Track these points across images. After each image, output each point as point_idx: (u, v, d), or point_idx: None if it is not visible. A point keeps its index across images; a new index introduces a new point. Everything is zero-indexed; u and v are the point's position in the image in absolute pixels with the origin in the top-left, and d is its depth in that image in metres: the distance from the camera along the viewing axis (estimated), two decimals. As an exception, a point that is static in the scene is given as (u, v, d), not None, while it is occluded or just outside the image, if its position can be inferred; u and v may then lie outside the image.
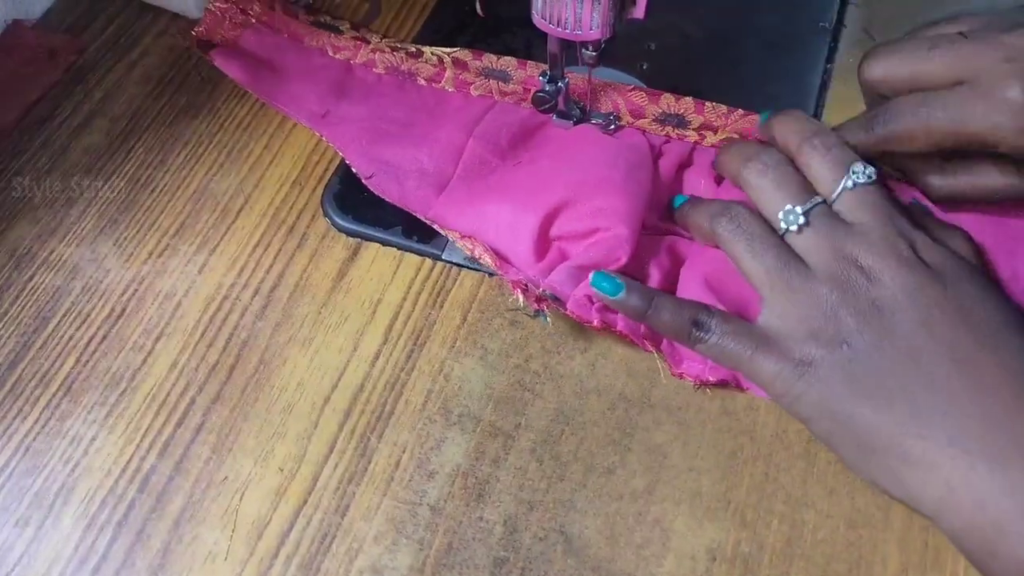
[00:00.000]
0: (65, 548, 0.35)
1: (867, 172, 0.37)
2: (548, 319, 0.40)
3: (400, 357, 0.39)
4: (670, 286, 0.40)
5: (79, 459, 0.37)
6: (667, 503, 0.35)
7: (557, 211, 0.41)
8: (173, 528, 0.35)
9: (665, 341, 0.39)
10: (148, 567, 0.35)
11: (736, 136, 0.44)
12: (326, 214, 0.44)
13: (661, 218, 0.43)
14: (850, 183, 0.37)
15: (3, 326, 0.41)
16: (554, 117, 0.46)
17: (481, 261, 0.41)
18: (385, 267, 0.42)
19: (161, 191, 0.45)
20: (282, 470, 0.37)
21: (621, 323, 0.38)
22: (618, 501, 0.35)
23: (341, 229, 0.43)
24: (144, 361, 0.40)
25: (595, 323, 0.38)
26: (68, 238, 0.44)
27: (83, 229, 0.44)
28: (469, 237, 0.41)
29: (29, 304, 0.42)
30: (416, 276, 0.42)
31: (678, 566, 0.34)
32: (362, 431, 0.37)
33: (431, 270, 0.42)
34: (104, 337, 0.41)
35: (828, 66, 0.48)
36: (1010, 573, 0.30)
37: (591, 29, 0.40)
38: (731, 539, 0.34)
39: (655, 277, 0.40)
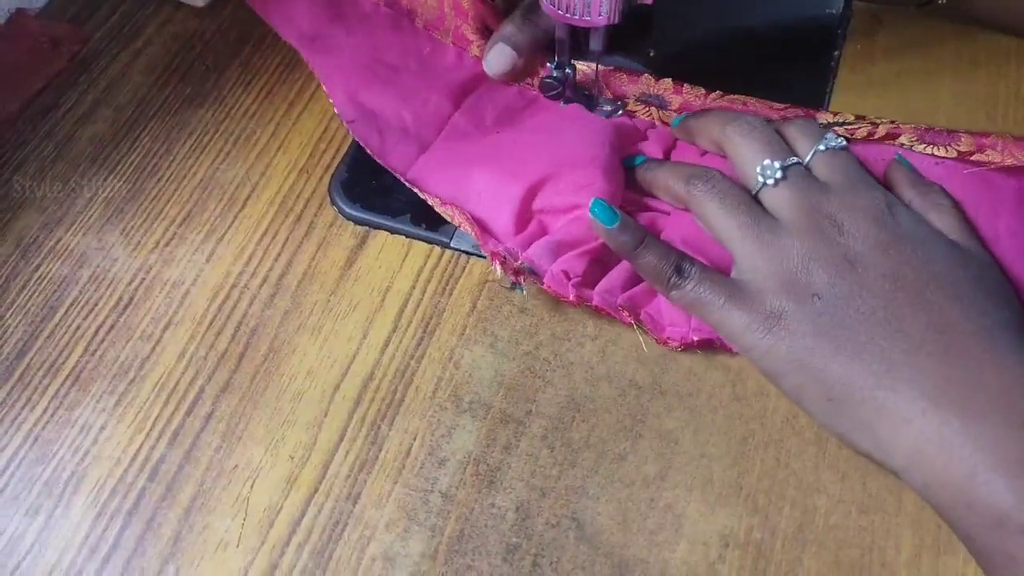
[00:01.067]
0: (76, 537, 0.35)
1: (838, 140, 0.39)
2: (524, 291, 0.41)
3: (410, 345, 0.39)
4: None
5: (88, 448, 0.37)
6: (679, 489, 0.35)
7: (540, 184, 0.41)
8: (184, 517, 0.35)
9: (644, 311, 0.39)
10: (159, 555, 0.35)
11: None
12: (333, 202, 0.44)
13: (637, 193, 0.43)
14: (823, 146, 0.39)
15: (11, 315, 0.41)
16: (561, 104, 0.46)
17: (462, 229, 0.41)
18: (394, 255, 0.42)
19: (167, 180, 0.45)
20: (293, 458, 0.36)
21: (596, 298, 0.38)
22: (630, 487, 0.35)
23: (349, 217, 0.43)
24: (153, 350, 0.40)
25: (571, 298, 0.38)
26: (75, 227, 0.44)
27: (89, 218, 0.44)
28: (450, 204, 0.41)
29: (36, 293, 0.42)
30: (425, 264, 0.42)
31: (691, 552, 0.34)
32: (372, 419, 0.37)
33: (440, 258, 0.42)
34: (112, 326, 0.40)
35: (836, 53, 0.48)
36: (984, 524, 0.30)
37: (600, 15, 0.39)
38: (743, 525, 0.34)
39: None
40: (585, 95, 0.45)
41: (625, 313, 0.38)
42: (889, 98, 0.46)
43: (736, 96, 0.45)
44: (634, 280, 0.39)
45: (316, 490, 0.36)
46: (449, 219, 0.41)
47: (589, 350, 0.39)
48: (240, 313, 0.41)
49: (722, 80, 0.45)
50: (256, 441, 0.37)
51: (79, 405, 0.38)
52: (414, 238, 0.42)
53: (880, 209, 0.36)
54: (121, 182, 0.45)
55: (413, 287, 0.41)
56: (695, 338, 0.38)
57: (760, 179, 0.38)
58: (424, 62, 0.47)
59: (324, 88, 0.45)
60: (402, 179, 0.43)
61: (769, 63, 0.48)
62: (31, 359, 0.40)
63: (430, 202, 0.42)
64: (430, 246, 0.42)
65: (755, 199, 0.38)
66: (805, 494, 0.35)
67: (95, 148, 0.47)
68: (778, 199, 0.37)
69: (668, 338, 0.38)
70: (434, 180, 0.43)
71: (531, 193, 0.41)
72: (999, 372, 0.32)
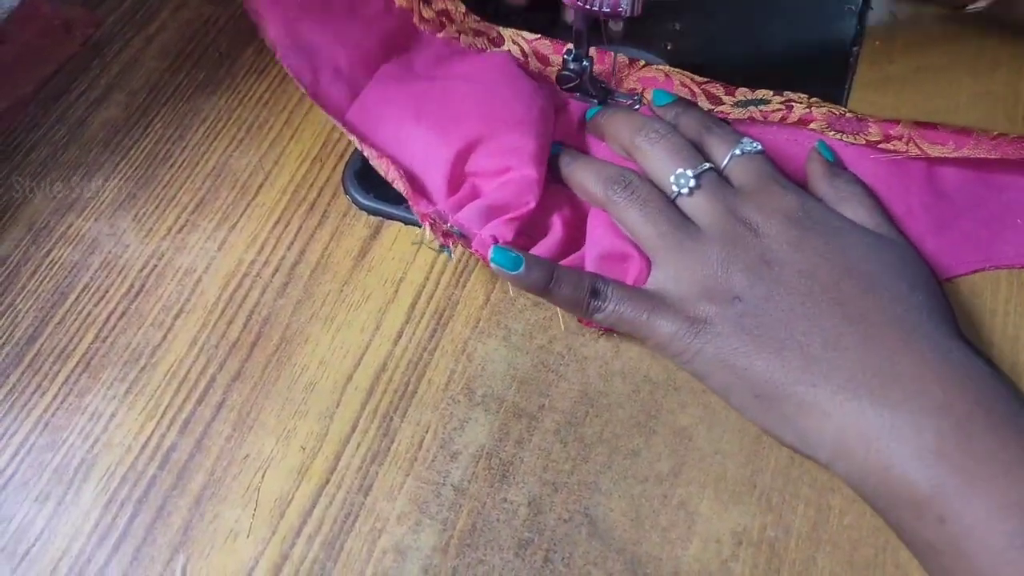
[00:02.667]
0: (85, 524, 0.35)
1: (754, 144, 0.40)
2: (453, 255, 0.41)
3: (423, 336, 0.39)
4: (573, 234, 0.40)
5: (99, 435, 0.37)
6: (692, 486, 0.35)
7: (472, 146, 0.41)
8: (194, 505, 0.35)
9: None
10: (169, 544, 0.34)
11: (638, 87, 0.46)
12: (347, 192, 0.44)
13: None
14: (738, 151, 0.39)
15: (22, 300, 0.41)
16: (576, 96, 0.45)
17: (395, 186, 0.41)
18: (407, 246, 0.42)
19: (180, 167, 0.45)
20: (304, 448, 0.36)
21: None
22: (643, 484, 0.35)
23: (362, 207, 0.43)
24: (164, 338, 0.39)
25: None
26: (86, 213, 0.43)
27: (101, 204, 0.44)
28: (386, 158, 0.41)
29: (47, 279, 0.41)
30: (439, 255, 0.41)
31: (704, 549, 0.33)
32: (385, 410, 0.37)
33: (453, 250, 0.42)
34: (123, 313, 0.40)
35: (855, 48, 0.48)
36: (906, 513, 0.31)
37: (620, 7, 0.39)
38: (757, 523, 0.34)
39: (557, 226, 0.40)
40: (602, 87, 0.45)
41: None
42: (906, 96, 0.46)
43: (660, 67, 0.45)
44: (561, 255, 0.39)
45: (327, 481, 0.35)
46: (383, 173, 0.41)
47: (603, 345, 0.38)
48: (252, 302, 0.40)
49: (739, 74, 0.45)
50: (267, 431, 0.37)
51: (89, 392, 0.38)
52: (428, 229, 0.42)
53: (792, 207, 0.37)
54: (133, 168, 0.45)
55: (427, 279, 0.41)
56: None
57: (675, 189, 0.38)
58: (353, 5, 0.47)
59: (259, 13, 0.45)
60: (337, 123, 0.43)
61: (788, 58, 0.48)
62: (41, 345, 0.39)
63: (365, 153, 0.42)
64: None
65: (673, 204, 0.38)
66: (819, 493, 0.34)
67: (107, 133, 0.46)
68: (694, 206, 0.38)
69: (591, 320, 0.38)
70: (369, 130, 0.43)
71: (463, 155, 0.41)
72: (913, 360, 0.32)
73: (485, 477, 0.35)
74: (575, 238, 0.40)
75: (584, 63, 0.44)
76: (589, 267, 0.39)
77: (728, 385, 0.35)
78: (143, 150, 0.46)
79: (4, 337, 0.40)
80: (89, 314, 0.40)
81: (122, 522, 0.35)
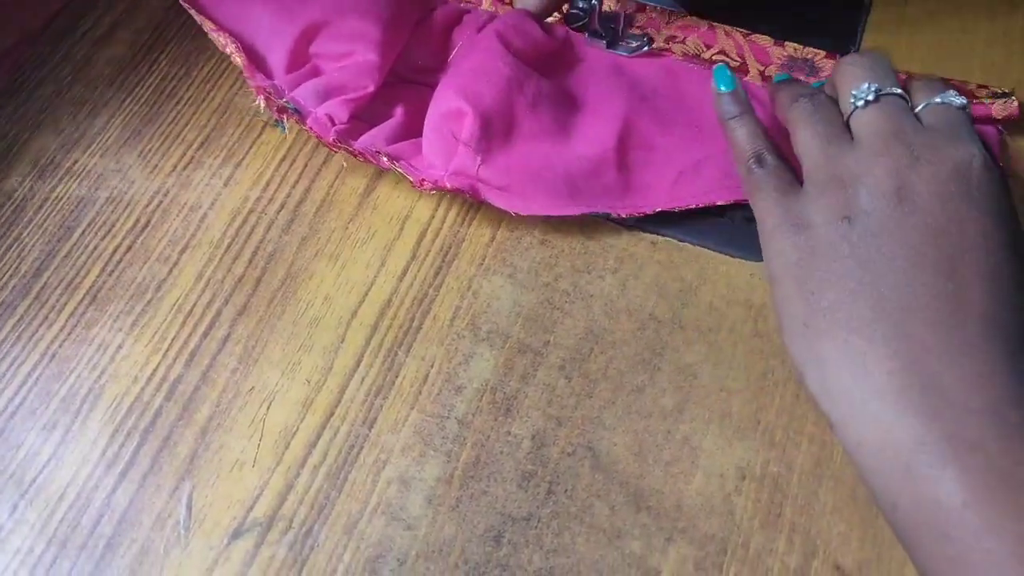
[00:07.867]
0: (92, 452, 0.35)
1: (961, 100, 0.35)
2: (286, 130, 0.42)
3: (428, 273, 0.39)
4: (414, 123, 0.41)
5: (106, 366, 0.37)
6: (697, 422, 0.35)
7: (318, 27, 0.42)
8: (200, 436, 0.35)
9: (404, 162, 0.39)
10: (175, 473, 0.35)
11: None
12: (353, 130, 0.43)
13: (418, 72, 0.43)
14: (939, 99, 0.34)
15: (28, 234, 0.41)
16: (587, 36, 0.45)
17: (233, 60, 0.41)
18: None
19: (186, 103, 0.45)
20: (309, 382, 0.36)
21: (357, 144, 0.39)
22: (647, 419, 0.35)
23: (368, 145, 0.43)
24: (170, 272, 0.39)
25: (330, 141, 0.39)
26: (92, 149, 0.43)
27: (107, 140, 0.44)
28: (224, 31, 0.41)
29: (54, 213, 0.41)
30: (445, 193, 0.41)
31: (707, 484, 0.34)
32: (389, 345, 0.37)
33: (460, 188, 0.41)
34: (129, 248, 0.40)
35: (870, -6, 0.47)
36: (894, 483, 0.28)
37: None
38: (760, 459, 0.34)
39: (399, 114, 0.41)
40: (611, 28, 0.44)
41: (385, 159, 0.39)
42: (922, 37, 0.45)
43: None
44: (399, 139, 0.40)
45: (332, 414, 0.36)
46: (221, 48, 0.42)
47: (609, 283, 0.38)
48: (257, 238, 0.40)
49: (752, 16, 0.44)
50: (272, 364, 0.37)
51: (96, 324, 0.38)
52: (434, 168, 0.42)
53: (967, 164, 0.32)
54: (139, 105, 0.45)
55: (432, 216, 0.40)
56: (448, 185, 0.38)
57: (853, 101, 0.35)
58: None
59: None
60: (183, 4, 0.43)
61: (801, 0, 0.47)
62: (48, 278, 0.39)
63: (205, 27, 0.42)
64: (450, 176, 0.42)
65: (846, 123, 0.35)
66: (823, 429, 0.34)
67: (113, 71, 0.46)
68: (863, 118, 0.34)
69: (424, 180, 0.39)
70: (215, 5, 0.43)
71: (308, 35, 0.42)
72: (983, 366, 0.29)
73: (489, 411, 0.35)
74: (416, 127, 0.40)
75: (593, 2, 0.43)
76: (428, 127, 0.39)
77: (788, 298, 0.32)
78: (148, 87, 0.45)
79: (11, 270, 0.40)
80: (95, 248, 0.40)
81: (128, 451, 0.35)
